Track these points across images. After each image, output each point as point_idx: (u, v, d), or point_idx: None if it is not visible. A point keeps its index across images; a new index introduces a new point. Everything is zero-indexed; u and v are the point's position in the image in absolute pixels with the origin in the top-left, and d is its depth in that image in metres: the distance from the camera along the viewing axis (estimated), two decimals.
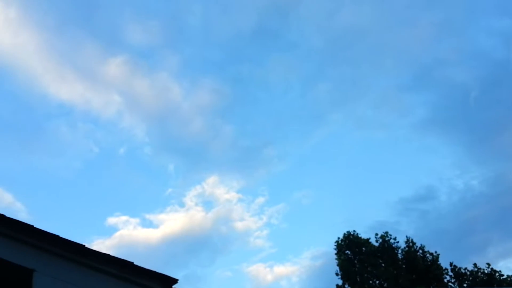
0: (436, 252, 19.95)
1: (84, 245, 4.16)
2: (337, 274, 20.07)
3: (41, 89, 25.09)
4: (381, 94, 30.25)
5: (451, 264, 19.76)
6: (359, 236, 20.58)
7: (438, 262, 19.79)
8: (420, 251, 20.12)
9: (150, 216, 28.83)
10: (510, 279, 18.78)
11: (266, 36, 29.33)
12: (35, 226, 4.03)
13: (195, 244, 28.13)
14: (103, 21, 25.44)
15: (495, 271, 19.20)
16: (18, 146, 25.16)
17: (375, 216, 33.01)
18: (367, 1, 28.29)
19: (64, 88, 25.56)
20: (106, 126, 28.25)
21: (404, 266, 19.87)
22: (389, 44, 29.80)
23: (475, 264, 19.53)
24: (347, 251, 20.47)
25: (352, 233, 20.66)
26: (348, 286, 19.80)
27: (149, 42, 26.93)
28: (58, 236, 4.10)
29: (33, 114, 26.32)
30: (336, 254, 20.54)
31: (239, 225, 29.46)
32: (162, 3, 26.66)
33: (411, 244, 20.26)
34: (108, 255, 4.19)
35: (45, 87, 25.19)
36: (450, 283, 19.55)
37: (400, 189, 35.37)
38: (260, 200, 30.53)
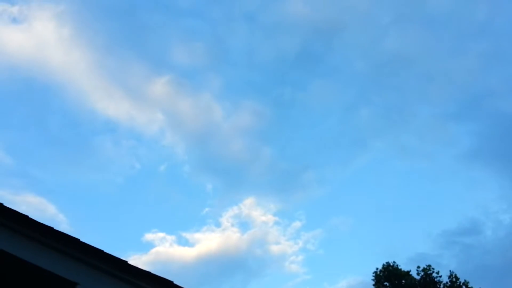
0: None
1: (126, 261, 4.16)
2: None
3: (89, 106, 25.94)
4: (426, 123, 29.59)
5: None
6: (399, 267, 19.93)
7: None
8: (464, 286, 19.28)
9: (186, 235, 28.97)
10: None
11: (309, 60, 29.37)
12: (80, 239, 4.07)
13: (229, 265, 27.99)
14: (151, 43, 26.21)
15: None
16: (64, 159, 25.98)
17: (416, 247, 31.99)
18: (413, 29, 27.99)
19: (111, 105, 26.34)
20: (148, 143, 28.83)
21: None
22: (436, 72, 29.27)
23: None
24: (386, 283, 19.84)
25: (391, 264, 20.04)
26: None
27: (194, 63, 27.51)
28: (102, 250, 4.12)
29: (80, 129, 27.19)
30: (374, 285, 19.94)
31: (275, 248, 29.15)
32: (208, 26, 27.24)
33: (454, 279, 19.45)
34: (150, 272, 4.17)
35: (93, 104, 26.04)
36: None
37: (443, 221, 34.20)
38: (297, 224, 30.15)
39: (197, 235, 28.32)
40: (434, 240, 30.37)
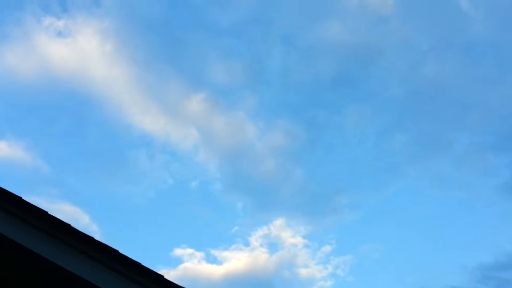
0: None
1: (163, 276, 4.19)
2: None
3: (126, 119, 26.46)
4: (463, 152, 28.83)
5: None
6: None
7: None
8: None
9: (215, 252, 28.88)
10: None
11: (345, 83, 29.22)
12: (120, 251, 4.13)
13: (256, 285, 27.67)
14: (189, 59, 26.65)
15: None
16: (100, 170, 26.46)
17: (449, 280, 30.86)
18: (452, 56, 27.51)
19: (148, 119, 26.77)
20: (181, 159, 29.08)
21: None
22: (474, 100, 28.60)
23: None
24: None
25: None
26: None
27: (230, 81, 27.77)
28: (140, 263, 4.17)
29: (117, 142, 27.70)
30: None
31: (303, 272, 28.69)
32: (246, 46, 27.52)
33: None
34: None
35: (130, 117, 26.54)
36: None
37: (479, 254, 32.93)
38: (327, 248, 29.65)
39: (226, 253, 28.21)
40: (470, 273, 29.27)
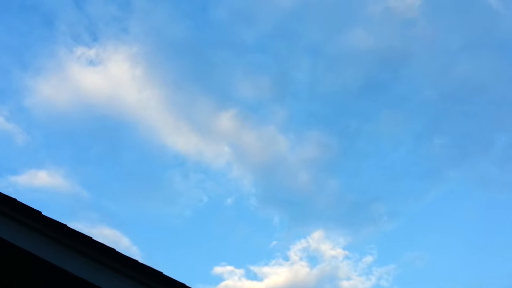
0: None
1: None
2: None
3: (159, 141, 26.84)
4: (504, 151, 27.91)
5: None
6: None
7: None
8: None
9: (255, 268, 28.72)
10: None
11: (375, 90, 28.84)
12: (163, 273, 4.13)
13: None
14: (217, 78, 26.92)
15: None
16: (137, 193, 26.85)
17: (501, 286, 29.71)
18: (484, 55, 26.80)
19: (180, 139, 27.09)
20: (215, 177, 29.21)
21: None
22: (511, 98, 27.75)
23: None
24: None
25: None
26: None
27: (258, 96, 27.86)
28: (184, 284, 4.16)
29: (151, 164, 28.10)
30: None
31: (346, 284, 28.15)
32: (272, 60, 27.60)
33: None
34: None
35: (163, 139, 26.91)
36: None
37: None
38: (368, 259, 29.05)
39: (266, 269, 28.02)
40: None
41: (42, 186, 23.96)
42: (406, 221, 29.97)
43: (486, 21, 25.75)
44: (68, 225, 4.10)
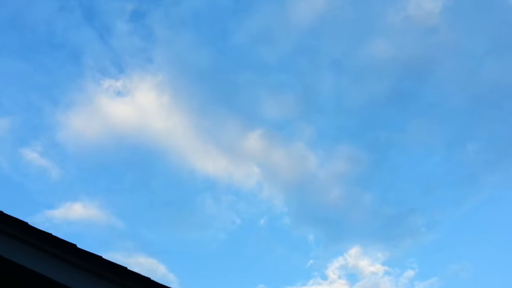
0: None
1: None
2: None
3: (189, 166, 27.04)
4: None
5: None
6: None
7: None
8: None
9: None
10: None
11: (402, 100, 28.45)
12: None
13: None
14: (242, 99, 27.09)
15: None
16: (170, 219, 27.00)
17: None
18: (511, 57, 26.23)
19: (209, 163, 27.23)
20: (247, 198, 29.15)
21: None
22: None
23: None
24: None
25: None
26: None
27: (284, 114, 27.84)
28: None
29: (182, 190, 28.29)
30: None
31: None
32: (295, 77, 27.65)
33: None
34: None
35: (192, 164, 27.11)
36: None
37: None
38: (409, 273, 28.25)
39: None
40: None
41: (77, 218, 24.37)
42: (446, 232, 29.11)
43: (509, 21, 25.28)
44: (102, 256, 4.12)
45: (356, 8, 26.22)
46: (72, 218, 24.30)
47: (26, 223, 4.17)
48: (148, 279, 4.07)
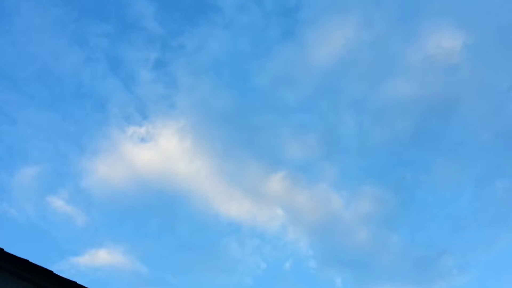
0: None
1: None
2: None
3: (213, 209, 26.97)
4: None
5: None
6: None
7: None
8: None
9: None
10: None
11: (427, 139, 28.14)
12: None
13: None
14: (264, 141, 27.21)
15: None
16: (196, 263, 26.72)
17: None
18: None
19: (233, 206, 27.11)
20: (271, 241, 28.75)
21: None
22: None
23: None
24: None
25: None
26: None
27: (307, 156, 27.77)
28: None
29: (207, 234, 28.11)
30: None
31: None
32: (317, 118, 27.75)
33: None
34: None
35: (216, 207, 27.04)
36: None
37: None
38: None
39: None
40: None
41: (102, 264, 24.33)
42: (478, 273, 28.00)
43: None
44: None
45: (375, 50, 26.48)
46: (97, 264, 24.28)
47: (51, 272, 4.17)
48: None
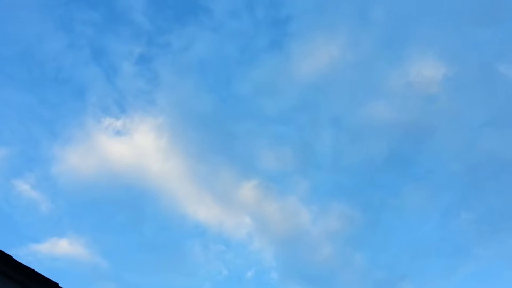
0: None
1: None
2: None
3: (180, 211, 26.77)
4: None
5: None
6: None
7: None
8: None
9: None
10: None
11: (400, 163, 28.62)
12: None
13: None
14: (240, 149, 27.22)
15: None
16: (156, 263, 26.42)
17: None
18: (509, 131, 26.65)
19: (201, 210, 26.97)
20: (236, 248, 28.68)
21: None
22: None
23: None
24: None
25: None
26: None
27: (281, 167, 27.89)
28: None
29: (172, 234, 27.85)
30: None
31: None
32: (295, 132, 27.93)
33: None
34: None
35: (184, 209, 26.85)
36: None
37: None
38: None
39: None
40: None
41: (62, 254, 23.85)
42: None
43: (509, 96, 25.84)
44: None
45: (358, 70, 26.87)
46: (56, 253, 23.78)
47: (10, 256, 4.08)
48: None
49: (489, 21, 25.94)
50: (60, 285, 4.12)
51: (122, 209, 26.43)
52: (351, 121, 28.21)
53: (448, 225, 29.02)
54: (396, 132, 28.09)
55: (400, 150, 29.13)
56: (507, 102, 26.76)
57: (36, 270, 4.16)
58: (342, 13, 26.69)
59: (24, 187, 23.37)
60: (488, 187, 28.35)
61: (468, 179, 28.35)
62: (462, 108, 27.32)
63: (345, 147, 28.63)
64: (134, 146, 25.57)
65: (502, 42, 27.08)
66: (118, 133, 25.25)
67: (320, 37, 26.35)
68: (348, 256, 28.46)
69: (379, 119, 27.30)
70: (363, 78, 27.09)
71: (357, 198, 30.10)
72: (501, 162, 27.14)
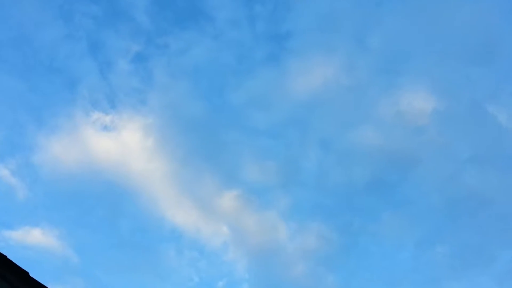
0: None
1: None
2: None
3: (159, 213, 26.65)
4: (506, 268, 27.22)
5: None
6: None
7: None
8: None
9: None
10: None
11: (381, 189, 28.89)
12: None
13: None
14: (225, 157, 27.26)
15: None
16: (129, 263, 26.17)
17: None
18: (492, 169, 27.04)
19: (179, 214, 26.87)
20: (210, 256, 28.54)
21: None
22: None
23: None
24: None
25: None
26: None
27: (264, 180, 27.97)
28: None
29: (148, 235, 27.66)
30: None
31: None
32: (282, 146, 28.10)
33: None
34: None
35: (162, 211, 26.73)
36: None
37: None
38: None
39: None
40: None
41: (34, 244, 23.53)
42: None
43: (495, 136, 26.32)
44: None
45: (351, 94, 27.21)
46: (29, 242, 23.45)
47: None
48: None
49: (483, 60, 26.54)
50: (31, 274, 4.09)
51: (100, 205, 26.21)
52: (339, 143, 28.47)
53: (422, 256, 29.24)
54: (382, 159, 28.37)
55: (383, 177, 29.39)
56: (493, 141, 27.25)
57: (8, 257, 4.12)
58: (341, 36, 27.08)
59: (3, 172, 23.09)
60: (465, 223, 28.69)
61: (447, 212, 28.69)
62: (448, 142, 27.74)
63: (330, 168, 28.82)
64: (120, 143, 25.47)
65: (494, 82, 27.72)
66: (105, 128, 25.14)
67: (317, 56, 26.66)
68: (321, 276, 28.48)
69: (366, 144, 27.58)
70: (355, 102, 27.41)
71: (336, 220, 30.22)
72: (480, 199, 27.52)
